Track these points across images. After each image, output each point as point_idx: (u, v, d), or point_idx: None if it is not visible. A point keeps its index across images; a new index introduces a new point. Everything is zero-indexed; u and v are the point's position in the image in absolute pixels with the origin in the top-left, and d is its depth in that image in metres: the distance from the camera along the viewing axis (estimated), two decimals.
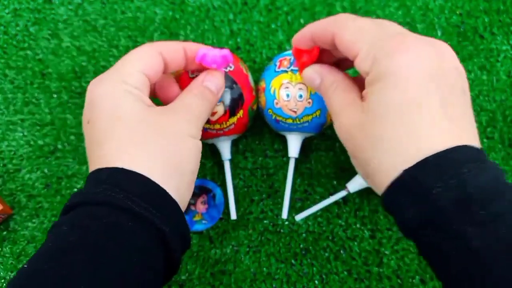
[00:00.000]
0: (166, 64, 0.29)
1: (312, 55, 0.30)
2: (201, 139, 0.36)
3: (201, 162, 0.39)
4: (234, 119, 0.34)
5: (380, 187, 0.24)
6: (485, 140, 0.40)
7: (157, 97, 0.32)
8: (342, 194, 0.36)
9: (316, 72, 0.29)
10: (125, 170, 0.24)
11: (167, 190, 0.25)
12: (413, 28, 0.44)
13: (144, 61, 0.28)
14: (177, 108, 0.28)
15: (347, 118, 0.25)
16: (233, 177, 0.39)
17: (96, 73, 0.42)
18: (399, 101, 0.22)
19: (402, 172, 0.22)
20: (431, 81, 0.22)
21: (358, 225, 0.38)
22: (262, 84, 0.36)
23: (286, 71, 0.34)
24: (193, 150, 0.28)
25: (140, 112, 0.26)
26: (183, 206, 0.27)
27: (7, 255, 0.37)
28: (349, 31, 0.25)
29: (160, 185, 0.25)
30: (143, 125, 0.26)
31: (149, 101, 0.28)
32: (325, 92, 0.28)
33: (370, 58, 0.23)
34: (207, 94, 0.30)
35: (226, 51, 0.31)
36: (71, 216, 0.23)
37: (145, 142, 0.25)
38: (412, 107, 0.22)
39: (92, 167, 0.26)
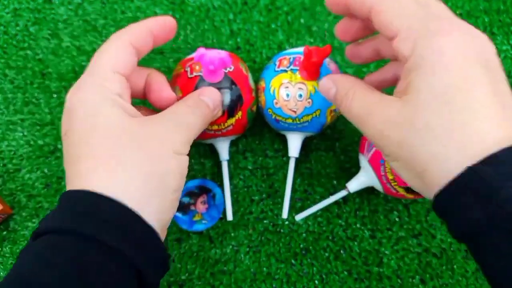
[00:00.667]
0: (138, 53, 0.27)
1: (323, 54, 0.30)
2: (199, 139, 0.36)
3: (201, 162, 0.39)
4: (232, 120, 0.34)
5: (433, 187, 0.21)
6: None
7: (148, 101, 0.31)
8: (342, 194, 0.36)
9: (331, 80, 0.27)
10: (97, 195, 0.22)
11: (146, 212, 0.23)
12: None
13: (118, 58, 0.26)
14: (166, 119, 0.26)
15: (382, 116, 0.22)
16: (233, 177, 0.39)
17: None
18: (453, 84, 0.20)
19: (466, 168, 0.19)
20: (481, 66, 0.20)
21: (358, 225, 0.38)
22: (262, 84, 0.36)
23: (285, 71, 0.34)
24: (177, 168, 0.25)
25: (121, 123, 0.24)
26: (164, 225, 0.25)
27: (7, 255, 0.37)
28: (390, 6, 0.22)
29: (138, 207, 0.22)
30: (124, 138, 0.23)
31: (132, 109, 0.26)
32: (341, 101, 0.26)
33: (412, 39, 0.21)
34: (202, 107, 0.28)
35: (224, 54, 0.31)
36: (38, 244, 0.21)
37: (124, 157, 0.23)
38: (467, 92, 0.20)
39: (67, 184, 0.24)
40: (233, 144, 0.40)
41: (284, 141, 0.40)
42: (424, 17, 0.21)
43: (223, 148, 0.37)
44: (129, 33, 0.27)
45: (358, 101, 0.25)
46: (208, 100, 0.29)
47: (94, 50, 0.42)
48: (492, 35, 0.44)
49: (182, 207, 0.37)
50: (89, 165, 0.23)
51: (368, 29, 0.28)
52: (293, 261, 0.37)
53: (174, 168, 0.25)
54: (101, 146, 0.23)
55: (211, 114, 0.29)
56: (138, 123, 0.24)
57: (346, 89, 0.26)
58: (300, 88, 0.33)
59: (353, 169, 0.39)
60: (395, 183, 0.32)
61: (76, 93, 0.25)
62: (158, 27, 0.28)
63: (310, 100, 0.33)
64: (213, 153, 0.39)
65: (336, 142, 0.40)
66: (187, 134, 0.26)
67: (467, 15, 0.44)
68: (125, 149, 0.23)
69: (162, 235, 0.25)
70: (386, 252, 0.37)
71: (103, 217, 0.21)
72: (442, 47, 0.20)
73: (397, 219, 0.38)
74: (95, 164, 0.23)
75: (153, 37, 0.28)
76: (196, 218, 0.37)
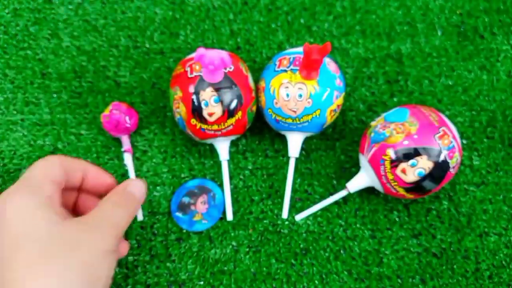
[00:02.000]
0: (67, 175, 0.29)
1: (323, 52, 0.30)
2: (199, 139, 0.36)
3: (201, 162, 0.39)
4: (232, 120, 0.34)
5: None
6: (485, 140, 0.40)
7: (85, 189, 0.32)
8: (342, 194, 0.36)
9: None
10: None
11: None
12: (413, 28, 0.44)
13: (52, 170, 0.27)
14: (93, 222, 0.26)
15: None
16: (233, 177, 0.39)
17: (96, 72, 0.42)
18: None
19: None
20: None
21: (358, 225, 0.38)
22: (262, 84, 0.36)
23: (285, 71, 0.34)
24: (107, 265, 0.26)
25: (51, 227, 0.24)
26: None
27: None
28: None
29: None
30: (54, 241, 0.24)
31: (63, 212, 0.26)
32: None
33: None
34: (129, 200, 0.29)
35: (224, 54, 0.31)
36: None
37: (54, 260, 0.23)
38: None
39: None
40: (233, 144, 0.40)
41: (284, 141, 0.40)
42: None
43: (223, 148, 0.37)
44: (64, 158, 0.29)
45: None
46: (135, 190, 0.30)
47: (94, 50, 0.42)
48: (492, 35, 0.44)
49: (182, 207, 0.37)
50: (19, 274, 0.23)
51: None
52: (293, 261, 0.37)
53: (105, 265, 0.26)
54: (32, 251, 0.23)
55: (139, 203, 0.30)
56: (68, 226, 0.25)
57: None
58: (300, 88, 0.33)
59: (353, 169, 0.39)
60: (395, 183, 0.32)
61: (8, 199, 0.25)
62: (94, 173, 0.31)
63: (310, 100, 0.33)
64: (213, 153, 0.39)
65: (336, 142, 0.40)
66: (115, 232, 0.27)
67: (467, 15, 0.44)
68: (56, 252, 0.24)
69: None
70: (386, 252, 0.37)
71: None
72: None
73: (397, 219, 0.38)
74: (25, 270, 0.23)
75: (85, 178, 0.30)
76: (196, 218, 0.37)
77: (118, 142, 0.40)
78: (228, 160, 0.37)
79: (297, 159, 0.37)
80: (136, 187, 0.30)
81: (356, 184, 0.35)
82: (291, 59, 0.34)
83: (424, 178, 0.32)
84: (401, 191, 0.33)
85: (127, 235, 0.37)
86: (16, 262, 0.23)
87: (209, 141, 0.36)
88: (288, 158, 0.38)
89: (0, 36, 0.43)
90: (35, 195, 0.25)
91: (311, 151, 0.40)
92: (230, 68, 0.34)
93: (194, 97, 0.33)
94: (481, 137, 0.41)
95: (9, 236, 0.24)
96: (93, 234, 0.25)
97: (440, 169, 0.31)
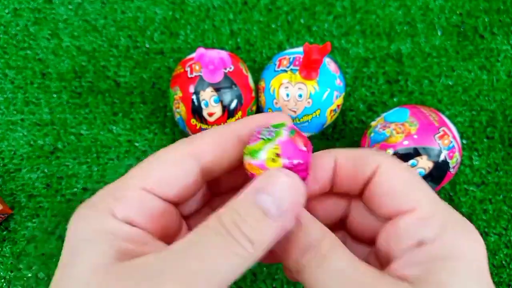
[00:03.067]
0: (206, 172, 0.18)
1: (323, 51, 0.30)
2: None
3: None
4: (232, 120, 0.34)
5: None
6: (485, 140, 0.40)
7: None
8: None
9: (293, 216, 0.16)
10: None
11: None
12: (413, 28, 0.44)
13: (173, 169, 0.17)
14: (167, 269, 0.14)
15: None
16: None
17: (96, 72, 0.42)
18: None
19: None
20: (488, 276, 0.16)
21: None
22: (262, 84, 0.36)
23: (285, 71, 0.34)
24: None
25: (95, 274, 0.15)
26: None
27: (7, 255, 0.37)
28: (400, 177, 0.17)
29: None
30: None
31: (135, 247, 0.16)
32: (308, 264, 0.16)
33: (438, 222, 0.16)
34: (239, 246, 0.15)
35: (224, 54, 0.31)
36: None
37: None
38: None
39: None
40: None
41: None
42: (441, 203, 0.18)
43: None
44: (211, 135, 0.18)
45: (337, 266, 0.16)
46: (269, 204, 0.15)
47: (94, 50, 0.42)
48: (492, 35, 0.44)
49: None
50: None
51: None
52: None
53: None
54: None
55: (280, 233, 0.16)
56: (122, 274, 0.15)
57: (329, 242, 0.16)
58: (300, 88, 0.33)
59: None
60: None
61: (77, 219, 0.17)
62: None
63: (310, 100, 0.33)
64: None
65: (336, 142, 0.40)
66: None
67: (467, 15, 0.44)
68: None
69: None
70: None
71: None
72: (472, 246, 0.16)
73: None
74: None
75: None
76: None
77: (118, 142, 0.40)
78: None
79: None
80: (274, 195, 0.16)
81: None
82: (291, 59, 0.34)
83: (424, 178, 0.32)
84: None
85: None
86: None
87: None
88: None
89: (0, 36, 0.43)
90: (105, 220, 0.17)
91: (311, 151, 0.40)
92: (230, 68, 0.34)
93: (194, 97, 0.33)
94: (481, 137, 0.40)
95: (60, 269, 0.16)
96: None
97: (440, 169, 0.31)
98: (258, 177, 0.16)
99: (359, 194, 0.19)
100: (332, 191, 0.20)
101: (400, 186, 0.17)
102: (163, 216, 0.18)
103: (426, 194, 0.17)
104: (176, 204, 0.19)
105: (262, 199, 0.15)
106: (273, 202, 0.15)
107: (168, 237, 0.18)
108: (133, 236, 0.16)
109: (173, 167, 0.17)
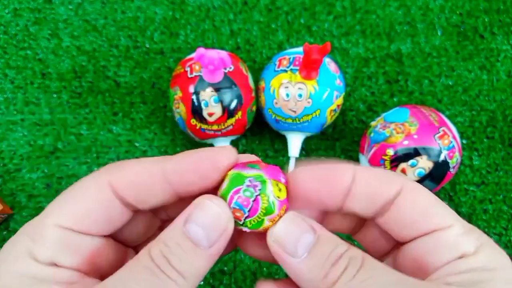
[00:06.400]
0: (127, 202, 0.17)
1: (323, 51, 0.30)
2: (199, 139, 0.36)
3: None
4: (232, 120, 0.34)
5: None
6: (485, 140, 0.40)
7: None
8: None
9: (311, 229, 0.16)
10: None
11: None
12: (413, 28, 0.44)
13: (83, 203, 0.16)
14: None
15: None
16: None
17: (96, 72, 0.42)
18: None
19: None
20: None
21: None
22: (262, 84, 0.36)
23: (285, 71, 0.34)
24: None
25: None
26: None
27: None
28: (426, 198, 0.18)
29: None
30: None
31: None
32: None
33: (475, 236, 0.17)
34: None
35: (224, 54, 0.31)
36: None
37: None
38: None
39: None
40: (233, 144, 0.40)
41: (284, 141, 0.40)
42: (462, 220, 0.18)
43: None
44: (122, 168, 0.17)
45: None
46: (199, 234, 0.15)
47: (94, 50, 0.42)
48: (492, 35, 0.44)
49: None
50: None
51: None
52: None
53: None
54: None
55: (214, 259, 0.16)
56: None
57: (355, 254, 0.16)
58: (300, 88, 0.33)
59: None
60: None
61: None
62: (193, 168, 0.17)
63: (310, 100, 0.33)
64: None
65: (336, 142, 0.40)
66: None
67: (467, 15, 0.44)
68: None
69: None
70: None
71: None
72: (504, 259, 0.17)
73: None
74: None
75: (173, 185, 0.17)
76: None
77: (118, 142, 0.40)
78: None
79: (297, 159, 0.37)
80: (202, 223, 0.15)
81: None
82: (291, 59, 0.34)
83: (424, 178, 0.32)
84: None
85: None
86: None
87: (209, 141, 0.36)
88: (288, 158, 0.38)
89: (0, 36, 0.43)
90: (27, 265, 0.16)
91: (311, 151, 0.40)
92: (230, 68, 0.34)
93: (194, 97, 0.33)
94: (481, 137, 0.40)
95: None
96: None
97: (440, 169, 0.31)
98: (188, 207, 0.16)
99: (371, 216, 0.18)
100: (337, 212, 0.18)
101: (430, 205, 0.17)
102: (93, 251, 0.17)
103: (452, 212, 0.18)
104: (111, 235, 0.17)
105: (191, 229, 0.15)
106: (203, 231, 0.15)
107: (107, 271, 0.17)
108: (58, 278, 0.15)
109: (89, 201, 0.16)
